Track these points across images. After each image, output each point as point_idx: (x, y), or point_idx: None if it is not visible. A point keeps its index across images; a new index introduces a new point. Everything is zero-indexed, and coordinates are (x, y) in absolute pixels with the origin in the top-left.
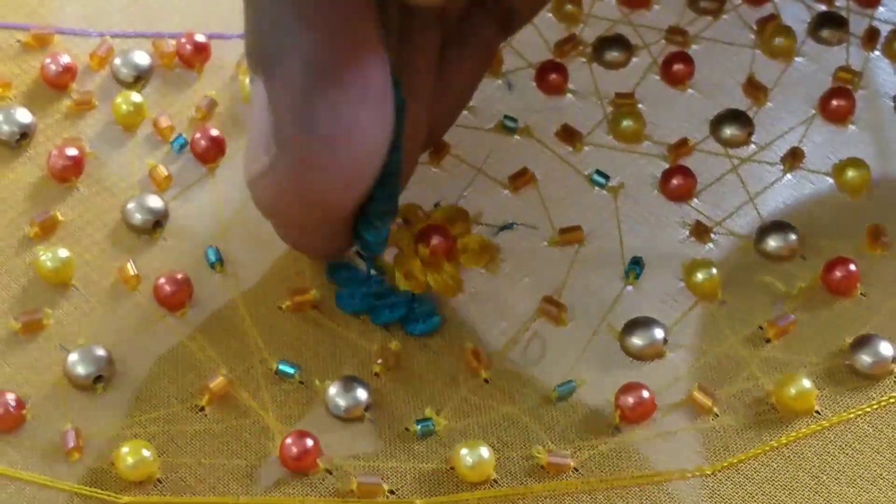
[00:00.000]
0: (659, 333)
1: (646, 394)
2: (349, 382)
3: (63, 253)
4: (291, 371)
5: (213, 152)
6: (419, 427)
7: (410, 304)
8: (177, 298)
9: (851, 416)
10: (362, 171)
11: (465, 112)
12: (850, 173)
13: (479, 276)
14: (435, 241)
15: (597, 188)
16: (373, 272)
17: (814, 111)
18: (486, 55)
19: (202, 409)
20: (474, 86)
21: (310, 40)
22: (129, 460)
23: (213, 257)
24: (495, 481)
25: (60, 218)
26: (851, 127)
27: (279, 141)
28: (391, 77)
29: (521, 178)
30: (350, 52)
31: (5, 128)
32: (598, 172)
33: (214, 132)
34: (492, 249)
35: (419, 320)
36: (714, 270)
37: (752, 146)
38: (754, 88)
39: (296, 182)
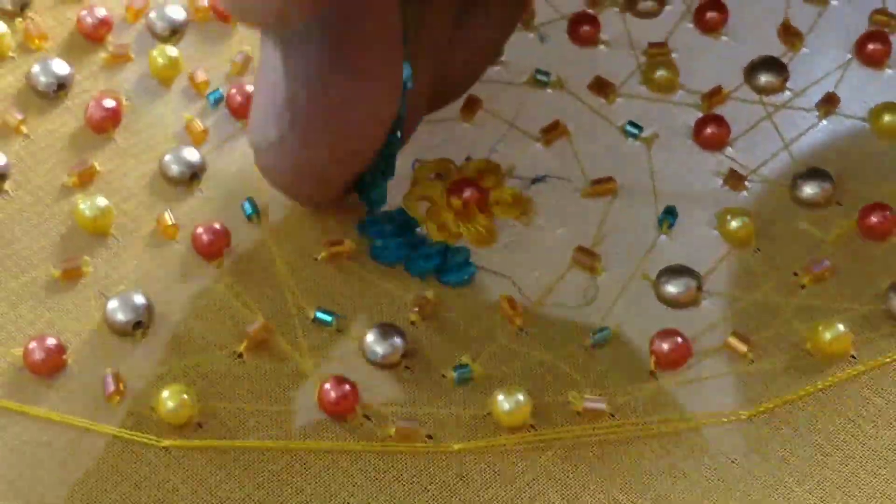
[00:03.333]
0: (693, 281)
1: (681, 339)
2: (386, 330)
3: (102, 201)
4: (329, 318)
5: (248, 108)
6: (456, 374)
7: (445, 253)
8: (214, 247)
9: (888, 360)
10: (369, 144)
11: (496, 67)
12: (887, 118)
13: (513, 228)
14: (467, 193)
15: (630, 139)
16: (398, 219)
17: (850, 55)
18: (517, 7)
19: (240, 355)
20: (501, 41)
21: (332, 15)
22: (170, 404)
23: (249, 209)
24: (532, 426)
25: (98, 168)
26: (888, 70)
27: (293, 111)
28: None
29: (553, 132)
30: (371, 32)
31: (42, 79)
32: (631, 123)
33: (250, 88)
34: (524, 201)
35: (454, 270)
36: (748, 217)
37: (787, 93)
38: (789, 34)
39: (305, 154)
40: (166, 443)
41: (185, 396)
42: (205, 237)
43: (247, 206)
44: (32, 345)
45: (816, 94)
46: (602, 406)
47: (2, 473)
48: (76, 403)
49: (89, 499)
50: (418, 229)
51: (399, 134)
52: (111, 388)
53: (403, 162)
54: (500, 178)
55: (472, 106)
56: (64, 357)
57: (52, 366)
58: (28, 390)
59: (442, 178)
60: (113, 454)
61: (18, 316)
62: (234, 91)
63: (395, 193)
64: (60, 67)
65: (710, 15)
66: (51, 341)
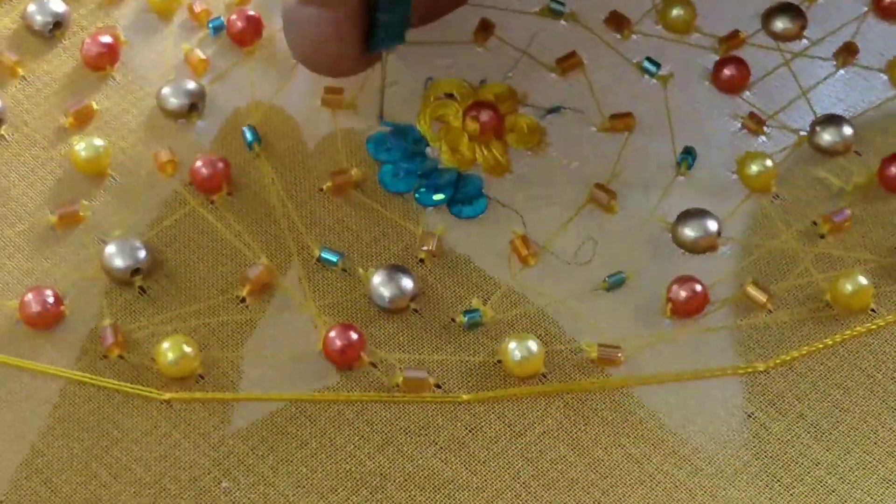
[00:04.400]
0: (713, 225)
1: (698, 287)
2: (394, 271)
3: (98, 142)
4: (334, 259)
5: (250, 34)
6: (466, 318)
7: (456, 185)
8: (213, 182)
9: None
10: None
11: None
12: None
13: (526, 159)
14: (484, 116)
15: (646, 76)
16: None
17: (866, 7)
18: None
19: (243, 300)
20: None
21: None
22: (170, 356)
23: (250, 136)
24: (544, 375)
25: (95, 107)
26: None
27: None
28: None
29: (568, 62)
30: None
31: (39, 17)
32: (649, 60)
33: (251, 13)
34: (540, 131)
35: (465, 202)
36: (769, 162)
37: (805, 41)
38: None
39: None
40: (167, 396)
41: (186, 348)
42: (203, 171)
43: (247, 133)
44: (28, 297)
45: (834, 44)
46: (616, 355)
47: None
48: (74, 356)
49: (90, 454)
50: (429, 149)
51: None
52: (110, 339)
53: (416, 80)
54: (516, 104)
55: (485, 29)
56: (61, 308)
57: (48, 318)
58: (24, 343)
59: (456, 98)
60: (113, 408)
61: (15, 266)
62: (234, 17)
63: (409, 111)
64: (57, 5)
65: None
66: (47, 293)
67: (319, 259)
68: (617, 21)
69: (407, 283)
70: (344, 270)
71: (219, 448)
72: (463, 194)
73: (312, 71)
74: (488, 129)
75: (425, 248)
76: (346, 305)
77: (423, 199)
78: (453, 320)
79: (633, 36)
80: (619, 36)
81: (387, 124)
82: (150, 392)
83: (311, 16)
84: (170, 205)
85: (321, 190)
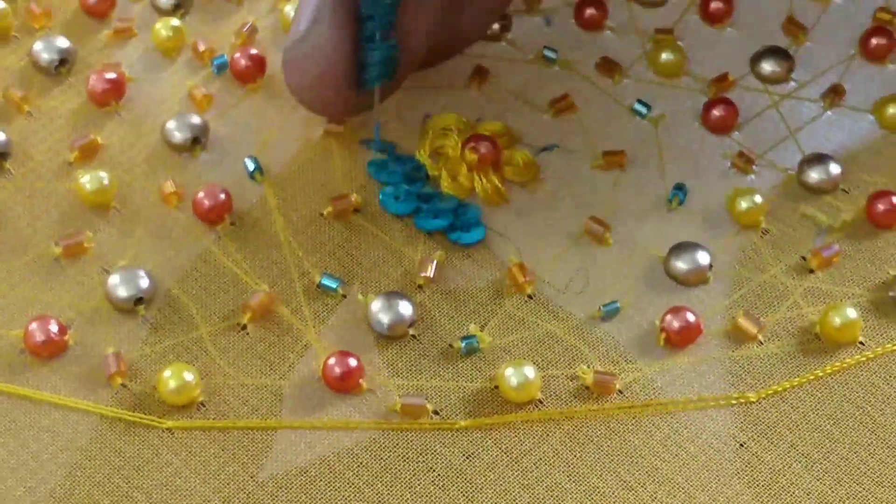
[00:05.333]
0: (704, 258)
1: (691, 317)
2: (393, 298)
3: (103, 175)
4: (334, 285)
5: (253, 71)
6: (463, 344)
7: (456, 212)
8: (216, 212)
9: (895, 347)
10: None
11: (503, 43)
12: (891, 110)
13: (523, 193)
14: (483, 148)
15: (637, 118)
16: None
17: (853, 50)
18: None
19: (244, 327)
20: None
21: None
22: (172, 384)
23: (251, 166)
24: (540, 401)
25: (101, 142)
26: (891, 66)
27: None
28: None
29: (561, 103)
30: None
31: (45, 55)
32: (640, 102)
33: (254, 52)
34: (536, 167)
35: (464, 229)
36: (758, 198)
37: (793, 83)
38: (794, 27)
39: (327, 42)
40: (169, 424)
41: (188, 376)
42: (206, 202)
43: (249, 163)
44: (33, 326)
45: (821, 86)
46: (612, 382)
47: (3, 458)
48: (77, 385)
49: (92, 483)
50: (428, 179)
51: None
52: (112, 368)
53: (414, 119)
54: (512, 139)
55: (480, 74)
56: (65, 338)
57: (52, 348)
58: (28, 373)
59: (454, 132)
60: (115, 436)
61: (19, 297)
62: (238, 55)
63: (408, 145)
64: (63, 43)
65: (716, 6)
66: (52, 323)
67: (320, 285)
68: (608, 67)
69: (406, 309)
70: (344, 296)
71: (219, 475)
72: (462, 222)
73: (309, 109)
74: (486, 160)
75: (424, 273)
76: (346, 331)
77: (422, 223)
78: (451, 346)
79: (625, 80)
80: (610, 81)
81: (376, 146)
82: (152, 420)
83: (307, 55)
84: (174, 236)
85: (322, 215)
